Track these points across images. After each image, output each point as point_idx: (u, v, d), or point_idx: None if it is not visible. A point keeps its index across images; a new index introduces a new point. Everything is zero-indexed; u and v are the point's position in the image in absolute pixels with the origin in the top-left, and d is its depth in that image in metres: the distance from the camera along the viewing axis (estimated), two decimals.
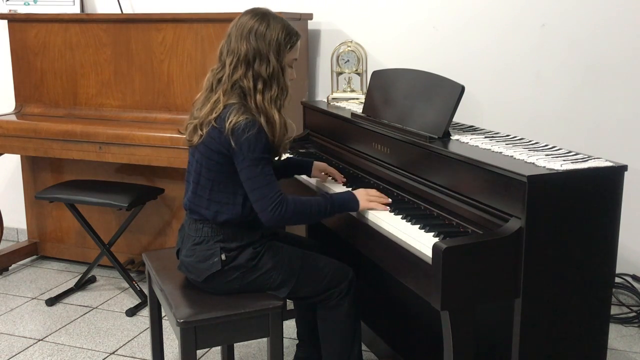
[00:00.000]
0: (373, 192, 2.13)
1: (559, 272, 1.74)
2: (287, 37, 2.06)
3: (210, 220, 2.08)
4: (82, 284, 3.44)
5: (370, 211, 2.06)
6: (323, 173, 2.43)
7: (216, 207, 2.06)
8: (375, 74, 2.57)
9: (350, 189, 2.24)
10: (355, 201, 2.09)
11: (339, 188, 2.32)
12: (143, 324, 3.06)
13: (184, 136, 2.13)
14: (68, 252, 3.82)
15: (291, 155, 2.69)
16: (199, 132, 2.04)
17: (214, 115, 2.01)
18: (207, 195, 2.07)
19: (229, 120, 1.96)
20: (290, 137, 2.11)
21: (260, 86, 2.03)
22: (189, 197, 2.13)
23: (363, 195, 2.10)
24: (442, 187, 2.00)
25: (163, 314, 2.38)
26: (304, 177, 2.51)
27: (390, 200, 2.11)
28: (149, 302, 2.41)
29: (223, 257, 2.06)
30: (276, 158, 2.14)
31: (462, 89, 2.09)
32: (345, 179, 2.41)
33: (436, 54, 3.25)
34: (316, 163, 2.44)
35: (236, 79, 2.03)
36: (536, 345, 1.75)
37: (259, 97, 2.02)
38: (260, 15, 2.06)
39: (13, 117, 3.59)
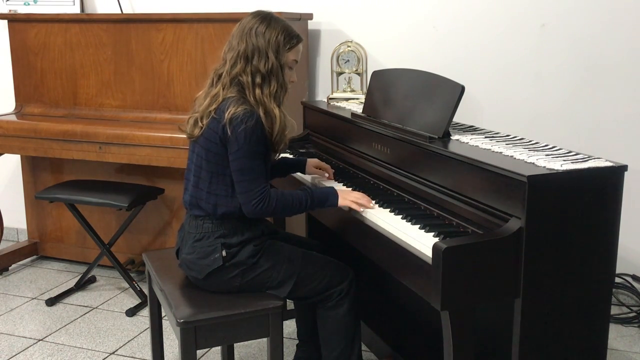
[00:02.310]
0: (357, 193, 2.13)
1: (559, 272, 1.74)
2: (287, 37, 2.10)
3: (210, 213, 2.09)
4: (82, 284, 3.44)
5: (370, 211, 2.06)
6: (317, 168, 2.44)
7: (215, 200, 2.08)
8: (375, 74, 2.57)
9: (350, 189, 2.25)
10: (334, 195, 2.11)
11: (333, 184, 2.33)
12: (143, 324, 3.06)
13: (185, 133, 2.15)
14: (68, 252, 3.82)
15: (289, 156, 2.69)
16: (200, 124, 2.07)
17: (213, 106, 2.05)
18: (207, 187, 2.08)
19: (228, 111, 1.99)
20: (290, 133, 2.13)
21: (258, 80, 2.05)
22: (190, 192, 2.14)
23: (344, 192, 2.13)
24: (442, 187, 2.00)
25: (163, 314, 2.38)
26: (298, 174, 2.52)
27: (372, 205, 2.09)
28: (149, 302, 2.41)
29: (224, 253, 2.07)
30: (275, 155, 2.15)
31: (462, 89, 2.09)
32: (333, 175, 2.42)
33: (436, 54, 3.25)
34: (309, 160, 2.46)
35: (235, 74, 2.07)
36: (536, 345, 1.75)
37: (257, 91, 2.05)
38: (262, 16, 2.12)
39: (13, 117, 3.59)
